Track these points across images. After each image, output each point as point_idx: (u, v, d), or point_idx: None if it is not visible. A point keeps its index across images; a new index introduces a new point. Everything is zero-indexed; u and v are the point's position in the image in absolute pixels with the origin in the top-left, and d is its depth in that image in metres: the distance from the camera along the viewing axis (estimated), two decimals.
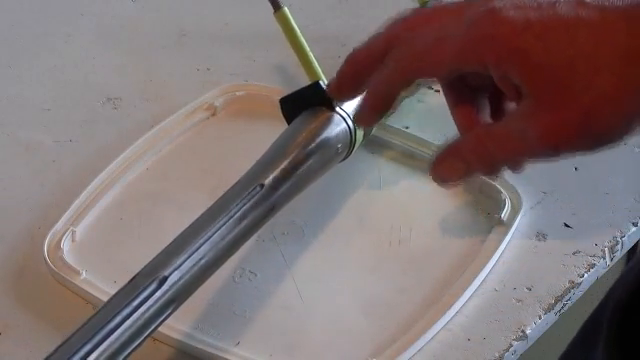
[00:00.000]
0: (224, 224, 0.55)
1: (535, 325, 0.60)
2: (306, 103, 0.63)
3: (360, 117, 0.58)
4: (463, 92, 0.55)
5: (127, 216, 0.67)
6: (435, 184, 0.55)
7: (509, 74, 0.49)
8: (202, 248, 0.54)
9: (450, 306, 0.60)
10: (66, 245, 0.63)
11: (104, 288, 0.61)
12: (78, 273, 0.62)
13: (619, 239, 0.65)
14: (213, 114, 0.75)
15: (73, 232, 0.64)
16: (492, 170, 0.54)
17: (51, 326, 0.60)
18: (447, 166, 0.54)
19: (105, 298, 0.59)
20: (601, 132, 0.49)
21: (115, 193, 0.68)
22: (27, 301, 0.61)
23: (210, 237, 0.55)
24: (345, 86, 0.57)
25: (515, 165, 0.52)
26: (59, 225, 0.64)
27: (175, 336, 0.58)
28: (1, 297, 0.61)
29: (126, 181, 0.69)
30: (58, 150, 0.72)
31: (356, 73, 0.56)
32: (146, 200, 0.68)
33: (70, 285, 0.61)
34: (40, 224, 0.66)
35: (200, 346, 0.58)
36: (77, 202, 0.66)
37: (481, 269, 0.62)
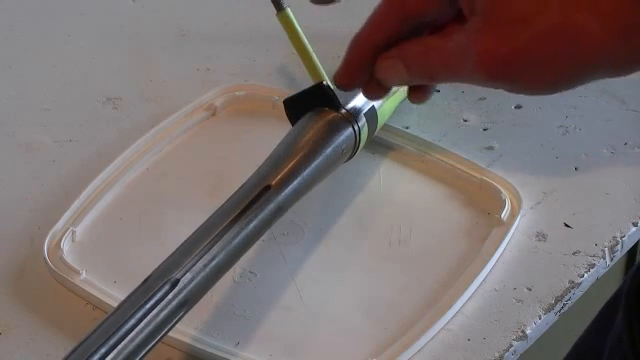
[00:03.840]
0: (233, 226, 0.55)
1: (535, 325, 0.60)
2: (310, 104, 0.63)
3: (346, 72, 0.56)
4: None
5: (127, 216, 0.67)
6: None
7: None
8: (212, 250, 0.54)
9: (450, 306, 0.60)
10: (66, 245, 0.63)
11: (104, 288, 0.61)
12: (78, 273, 0.62)
13: (619, 239, 0.65)
14: (213, 114, 0.74)
15: (73, 232, 0.64)
16: (430, 81, 0.53)
17: (51, 326, 0.60)
18: (390, 64, 0.53)
19: (105, 298, 0.60)
20: (529, 73, 0.47)
21: (115, 193, 0.68)
22: (27, 301, 0.61)
23: (220, 239, 0.54)
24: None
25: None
26: (59, 225, 0.64)
27: (174, 336, 0.58)
28: (1, 297, 0.61)
29: (126, 181, 0.69)
30: (58, 150, 0.72)
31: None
32: (146, 200, 0.68)
33: (70, 285, 0.61)
34: (40, 224, 0.66)
35: (199, 346, 0.58)
36: (77, 202, 0.66)
37: (481, 269, 0.62)
